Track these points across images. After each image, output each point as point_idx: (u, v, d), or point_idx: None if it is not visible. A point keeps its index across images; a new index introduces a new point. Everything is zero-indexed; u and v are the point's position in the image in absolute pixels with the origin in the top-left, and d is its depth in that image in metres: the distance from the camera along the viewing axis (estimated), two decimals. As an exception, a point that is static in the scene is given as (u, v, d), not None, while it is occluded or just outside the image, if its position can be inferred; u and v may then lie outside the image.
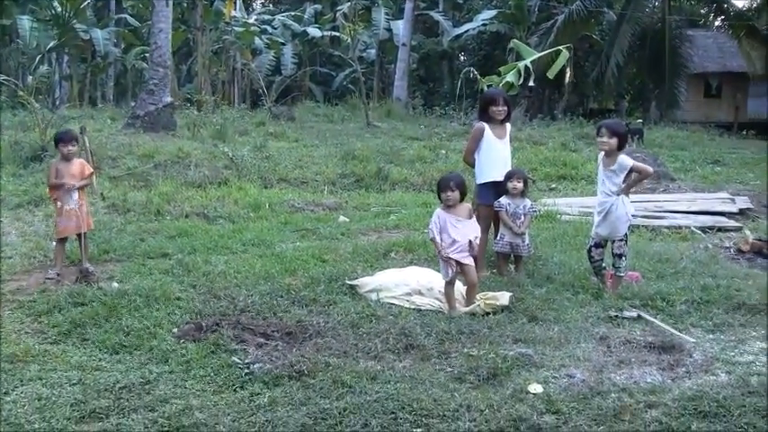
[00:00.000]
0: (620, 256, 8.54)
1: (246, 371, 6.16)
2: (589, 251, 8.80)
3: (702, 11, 46.45)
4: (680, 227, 12.81)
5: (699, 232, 12.48)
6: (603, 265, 8.71)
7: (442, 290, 8.12)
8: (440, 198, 8.14)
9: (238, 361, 6.36)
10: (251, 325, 7.24)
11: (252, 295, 8.08)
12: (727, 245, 11.44)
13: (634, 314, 7.70)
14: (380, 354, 6.59)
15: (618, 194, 8.37)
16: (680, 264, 9.65)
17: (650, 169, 8.68)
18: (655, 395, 5.76)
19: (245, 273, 9.05)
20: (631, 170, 8.35)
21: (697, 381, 6.09)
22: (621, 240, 8.53)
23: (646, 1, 36.72)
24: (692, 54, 36.46)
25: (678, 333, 7.13)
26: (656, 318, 7.60)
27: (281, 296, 8.12)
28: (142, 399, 5.67)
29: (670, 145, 25.38)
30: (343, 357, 6.48)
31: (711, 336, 7.23)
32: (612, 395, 5.76)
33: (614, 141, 8.35)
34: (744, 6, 40.35)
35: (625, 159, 8.36)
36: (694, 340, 6.97)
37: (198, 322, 7.28)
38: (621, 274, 8.59)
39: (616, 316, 7.68)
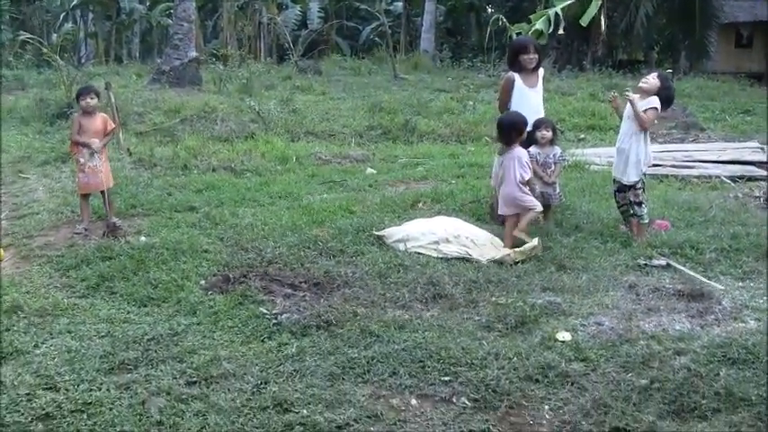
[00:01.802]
0: (637, 204, 8.52)
1: (274, 321, 6.20)
2: (614, 196, 8.85)
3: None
4: (709, 176, 12.69)
5: (728, 181, 12.35)
6: (631, 211, 8.64)
7: (470, 236, 8.16)
8: (516, 139, 8.43)
9: (266, 312, 6.39)
10: (278, 276, 7.26)
11: (279, 247, 8.07)
12: (757, 194, 11.30)
13: (663, 262, 7.66)
14: (408, 303, 6.60)
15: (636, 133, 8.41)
16: (709, 212, 9.55)
17: (646, 123, 8.48)
18: (683, 342, 5.76)
19: (273, 225, 9.03)
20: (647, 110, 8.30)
21: (726, 328, 6.08)
22: (636, 188, 8.51)
23: (676, -52, 36.06)
24: (722, 3, 35.87)
25: (707, 281, 7.07)
26: (684, 266, 7.54)
27: (309, 247, 8.09)
28: (170, 350, 5.71)
29: (700, 95, 25.07)
30: (371, 307, 6.49)
31: (740, 283, 7.18)
32: (641, 342, 5.77)
33: (655, 82, 8.33)
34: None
35: (653, 99, 8.30)
36: (723, 287, 6.92)
37: (225, 274, 7.31)
38: (645, 222, 8.55)
39: (645, 264, 7.64)
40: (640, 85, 8.46)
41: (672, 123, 18.82)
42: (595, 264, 7.60)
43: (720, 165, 13.64)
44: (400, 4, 47.10)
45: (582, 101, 22.14)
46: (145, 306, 6.67)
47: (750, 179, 12.59)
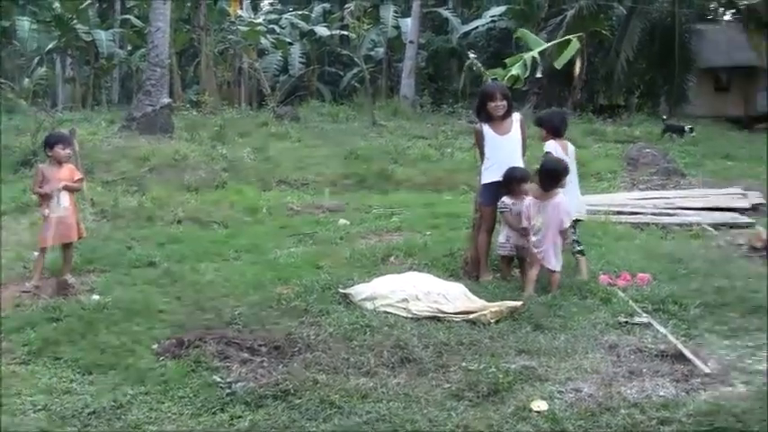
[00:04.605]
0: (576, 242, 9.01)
1: (228, 390, 5.80)
2: None
3: (712, 5, 46.00)
4: (691, 224, 12.44)
5: (711, 229, 12.12)
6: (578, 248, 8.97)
7: (441, 292, 7.78)
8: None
9: (220, 380, 6.00)
10: (236, 339, 6.85)
11: (240, 306, 7.73)
12: (741, 242, 11.06)
13: (645, 320, 7.27)
14: (373, 369, 6.19)
15: None
16: (692, 264, 9.24)
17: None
18: (668, 410, 5.36)
19: (235, 282, 8.69)
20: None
21: (713, 393, 5.70)
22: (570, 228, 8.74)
23: (655, -5, 36.30)
24: (701, 49, 36.12)
25: (691, 355, 6.45)
26: (668, 323, 7.16)
27: (271, 307, 7.75)
28: (111, 425, 5.31)
29: (680, 140, 25.00)
30: (333, 374, 6.09)
31: (727, 342, 6.81)
32: (622, 411, 5.37)
33: (540, 132, 9.43)
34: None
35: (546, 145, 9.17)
36: (708, 370, 6.22)
37: (180, 337, 6.88)
38: (580, 253, 8.94)
39: (626, 322, 7.25)
40: None
41: (652, 169, 18.61)
42: (574, 322, 7.21)
43: (702, 212, 13.39)
44: (382, 49, 47.01)
45: (561, 147, 21.92)
46: (90, 374, 6.23)
47: (733, 226, 12.36)
